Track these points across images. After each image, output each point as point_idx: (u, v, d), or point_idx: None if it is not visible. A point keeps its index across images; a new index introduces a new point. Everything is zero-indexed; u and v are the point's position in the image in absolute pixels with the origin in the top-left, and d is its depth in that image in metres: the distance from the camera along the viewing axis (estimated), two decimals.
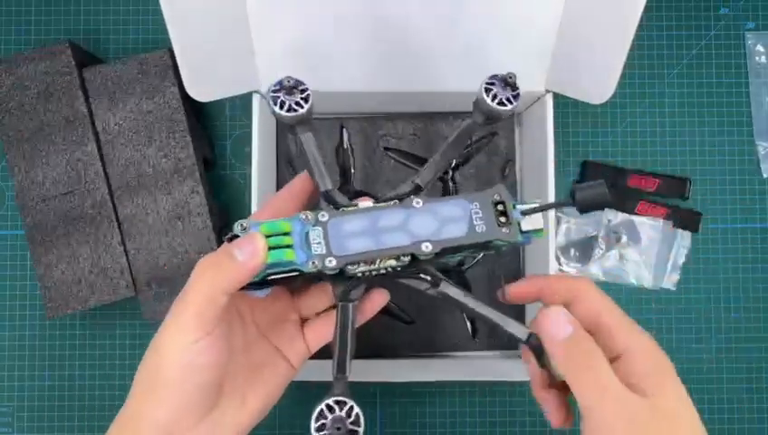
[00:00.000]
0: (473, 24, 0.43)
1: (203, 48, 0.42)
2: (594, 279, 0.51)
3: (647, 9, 0.39)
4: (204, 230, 0.48)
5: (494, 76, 0.37)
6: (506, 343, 0.51)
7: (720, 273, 0.54)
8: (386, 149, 0.52)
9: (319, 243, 0.32)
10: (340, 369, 0.33)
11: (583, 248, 0.53)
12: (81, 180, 0.48)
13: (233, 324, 0.35)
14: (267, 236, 0.31)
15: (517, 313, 0.50)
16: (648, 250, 0.53)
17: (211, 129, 0.54)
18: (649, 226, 0.53)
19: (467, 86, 0.39)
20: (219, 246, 0.38)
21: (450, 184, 0.52)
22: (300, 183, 0.38)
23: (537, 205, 0.34)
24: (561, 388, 0.34)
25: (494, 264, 0.52)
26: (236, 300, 0.35)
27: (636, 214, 0.53)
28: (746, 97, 0.55)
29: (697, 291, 0.54)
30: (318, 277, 0.34)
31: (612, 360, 0.31)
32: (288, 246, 0.31)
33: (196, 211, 0.48)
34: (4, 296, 0.53)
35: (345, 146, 0.52)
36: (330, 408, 0.29)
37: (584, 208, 0.32)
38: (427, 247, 0.32)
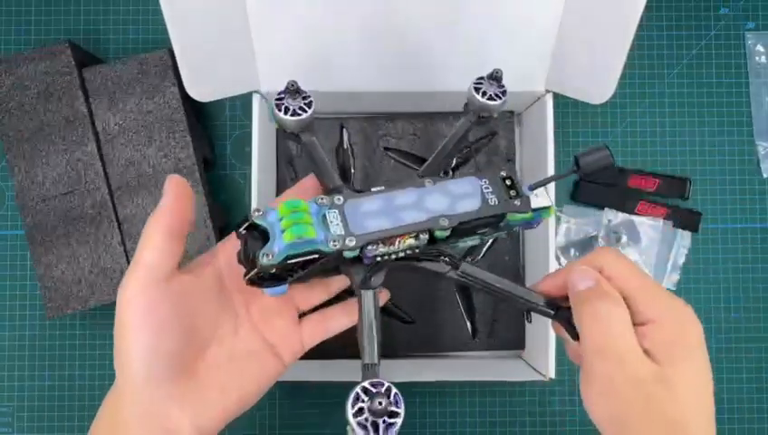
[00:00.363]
0: (473, 24, 0.43)
1: (203, 48, 0.42)
2: None
3: (647, 9, 0.39)
4: (204, 230, 0.48)
5: (480, 77, 0.38)
6: (506, 343, 0.51)
7: (720, 273, 0.54)
8: (386, 149, 0.52)
9: (337, 224, 0.32)
10: (369, 356, 0.32)
11: (583, 248, 0.53)
12: (81, 180, 0.48)
13: (220, 315, 0.35)
14: (287, 213, 0.31)
15: None
16: (648, 250, 0.53)
17: (211, 129, 0.54)
18: (649, 226, 0.53)
19: (468, 86, 0.39)
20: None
21: None
22: (311, 180, 0.40)
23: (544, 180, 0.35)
24: None
25: (494, 264, 0.52)
26: (227, 293, 0.36)
27: (636, 214, 0.53)
28: (746, 97, 0.55)
29: (697, 291, 0.54)
30: (335, 267, 0.35)
31: (640, 325, 0.30)
32: (308, 223, 0.31)
33: (196, 211, 0.48)
34: (4, 296, 0.53)
35: (345, 146, 0.52)
36: (365, 391, 0.28)
37: (589, 173, 0.32)
38: (444, 221, 0.33)
